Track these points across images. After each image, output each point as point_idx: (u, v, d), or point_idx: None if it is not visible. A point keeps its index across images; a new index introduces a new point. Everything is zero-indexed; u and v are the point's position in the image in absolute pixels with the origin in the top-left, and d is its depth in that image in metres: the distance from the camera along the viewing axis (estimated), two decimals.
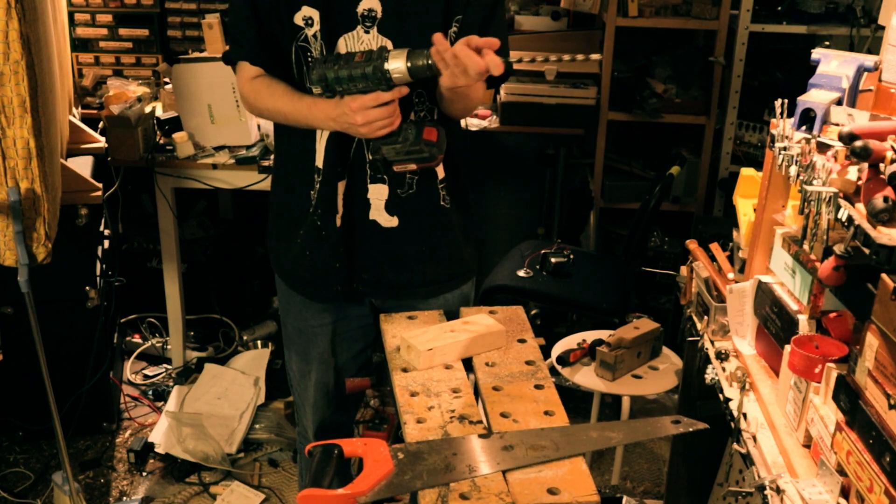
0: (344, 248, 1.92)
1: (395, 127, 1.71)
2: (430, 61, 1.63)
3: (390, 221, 1.89)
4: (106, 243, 3.22)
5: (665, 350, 2.78)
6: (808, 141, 1.57)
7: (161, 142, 3.27)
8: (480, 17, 1.84)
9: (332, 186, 1.87)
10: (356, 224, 1.90)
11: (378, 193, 1.88)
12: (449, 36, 1.82)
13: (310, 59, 1.80)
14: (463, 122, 3.48)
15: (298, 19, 1.77)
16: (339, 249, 1.92)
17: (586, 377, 2.65)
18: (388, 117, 1.69)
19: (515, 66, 1.66)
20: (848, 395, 1.39)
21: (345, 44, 1.78)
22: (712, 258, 2.09)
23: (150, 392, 3.48)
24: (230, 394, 3.32)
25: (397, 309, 1.95)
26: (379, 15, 1.77)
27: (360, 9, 1.77)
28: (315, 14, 1.77)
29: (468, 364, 1.71)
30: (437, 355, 1.68)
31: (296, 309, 2.06)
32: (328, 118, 1.75)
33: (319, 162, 1.87)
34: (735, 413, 1.69)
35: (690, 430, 1.50)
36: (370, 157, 1.80)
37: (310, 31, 1.78)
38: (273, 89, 1.84)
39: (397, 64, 1.64)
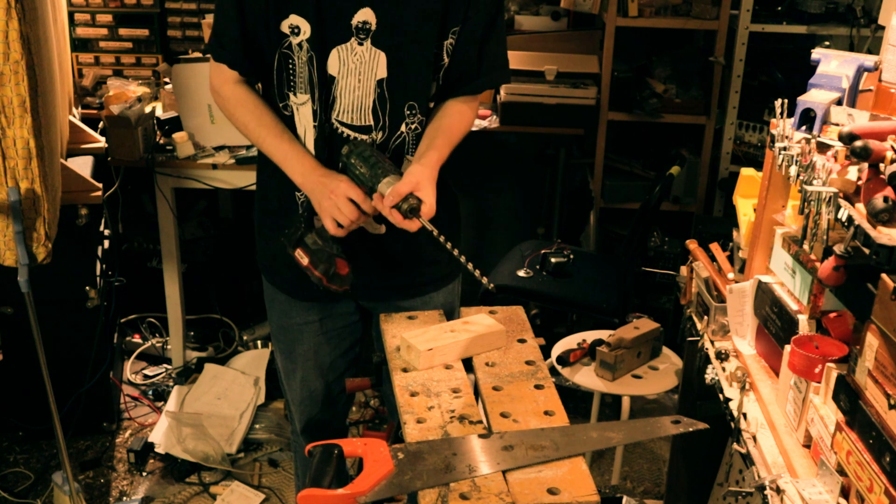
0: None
1: (342, 232, 1.76)
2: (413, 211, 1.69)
3: (378, 229, 1.89)
4: (106, 243, 3.22)
5: (665, 350, 2.78)
6: (808, 141, 1.57)
7: (161, 142, 3.27)
8: (482, 30, 1.84)
9: None
10: None
11: None
12: (445, 48, 1.82)
13: (291, 66, 1.79)
14: None
15: (285, 27, 1.76)
16: None
17: (586, 377, 2.65)
18: (350, 220, 1.74)
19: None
20: (848, 395, 1.39)
21: (337, 55, 1.77)
22: (712, 258, 2.09)
23: (150, 392, 3.48)
24: (230, 394, 3.32)
25: (383, 308, 1.96)
26: (373, 27, 1.75)
27: (355, 21, 1.75)
28: (304, 24, 1.75)
29: (468, 364, 1.71)
30: (437, 355, 1.68)
31: (280, 307, 2.06)
32: (305, 173, 1.79)
33: None
34: (735, 413, 1.69)
35: (690, 430, 1.50)
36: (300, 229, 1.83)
37: (295, 40, 1.76)
38: (259, 113, 1.84)
39: (386, 188, 1.70)
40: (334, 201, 1.73)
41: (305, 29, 1.75)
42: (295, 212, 1.90)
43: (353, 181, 1.75)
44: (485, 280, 1.71)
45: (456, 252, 1.71)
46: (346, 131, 1.82)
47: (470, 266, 1.72)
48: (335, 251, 1.78)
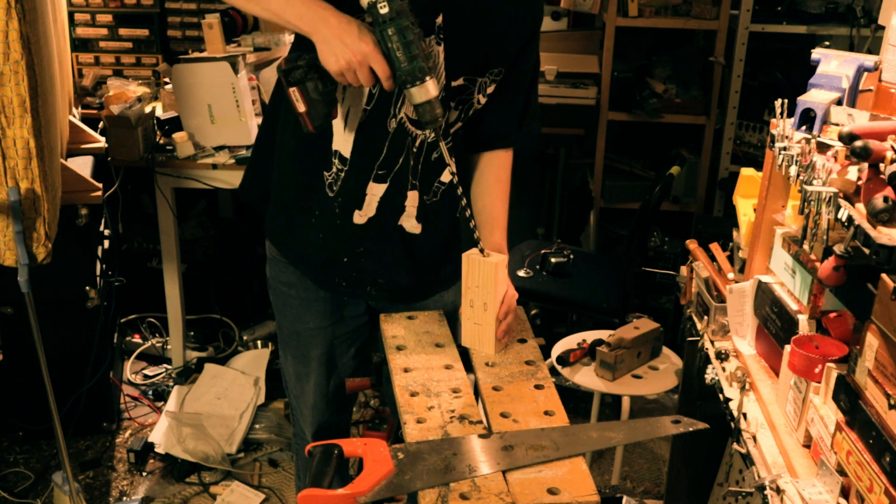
0: (364, 248, 1.88)
1: (345, 83, 1.61)
2: (435, 124, 1.59)
3: (415, 228, 1.88)
4: (106, 243, 3.22)
5: (665, 350, 2.78)
6: (808, 141, 1.57)
7: (161, 142, 3.27)
8: (529, 77, 1.85)
9: (362, 184, 1.81)
10: (382, 228, 1.87)
11: (412, 200, 1.86)
12: (477, 84, 1.79)
13: None
14: None
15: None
16: (355, 248, 1.88)
17: (586, 377, 2.65)
18: (359, 81, 1.58)
19: None
20: (848, 395, 1.39)
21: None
22: (712, 258, 2.09)
23: (150, 392, 3.48)
24: (230, 394, 3.32)
25: (393, 308, 1.95)
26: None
27: (439, 20, 1.69)
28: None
29: (468, 364, 1.71)
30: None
31: (292, 312, 2.03)
32: (314, 17, 1.56)
33: (339, 146, 1.78)
34: (735, 413, 1.69)
35: (690, 430, 1.50)
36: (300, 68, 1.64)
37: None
38: None
39: (421, 94, 1.57)
40: (352, 65, 1.55)
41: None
42: (322, 190, 1.82)
43: (380, 49, 1.55)
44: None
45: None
46: (412, 128, 1.77)
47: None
48: (334, 98, 1.65)
